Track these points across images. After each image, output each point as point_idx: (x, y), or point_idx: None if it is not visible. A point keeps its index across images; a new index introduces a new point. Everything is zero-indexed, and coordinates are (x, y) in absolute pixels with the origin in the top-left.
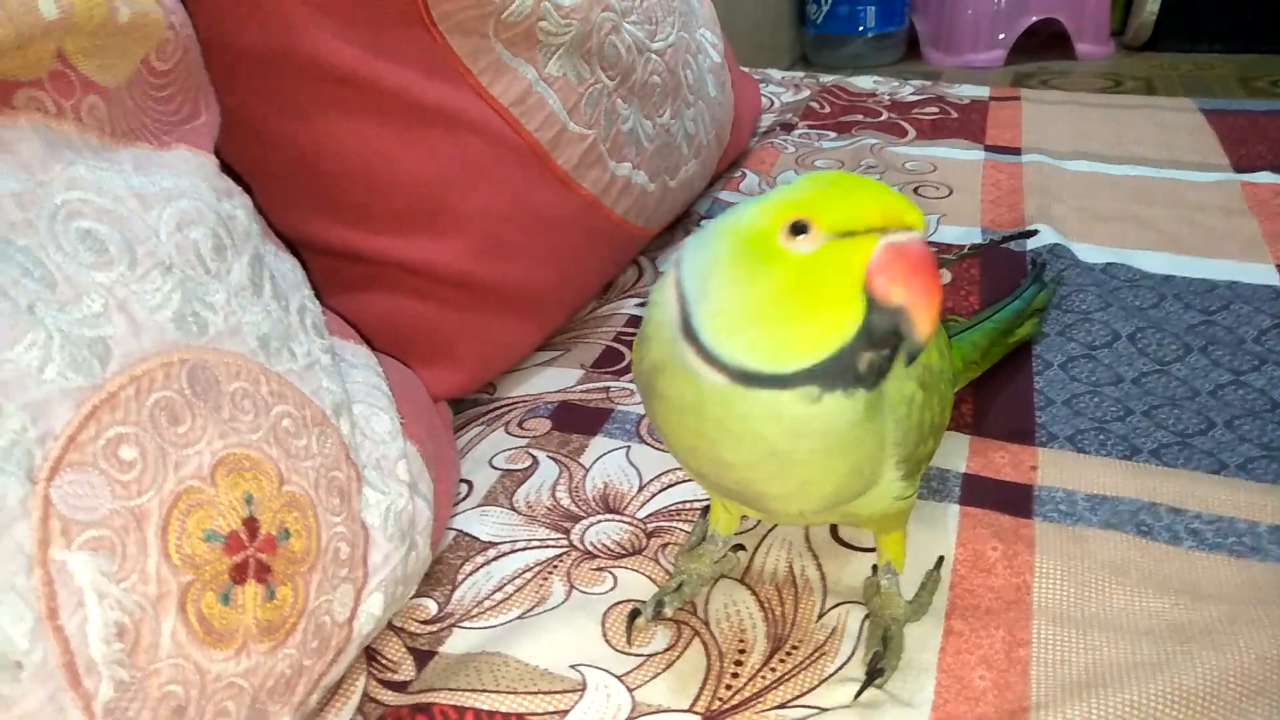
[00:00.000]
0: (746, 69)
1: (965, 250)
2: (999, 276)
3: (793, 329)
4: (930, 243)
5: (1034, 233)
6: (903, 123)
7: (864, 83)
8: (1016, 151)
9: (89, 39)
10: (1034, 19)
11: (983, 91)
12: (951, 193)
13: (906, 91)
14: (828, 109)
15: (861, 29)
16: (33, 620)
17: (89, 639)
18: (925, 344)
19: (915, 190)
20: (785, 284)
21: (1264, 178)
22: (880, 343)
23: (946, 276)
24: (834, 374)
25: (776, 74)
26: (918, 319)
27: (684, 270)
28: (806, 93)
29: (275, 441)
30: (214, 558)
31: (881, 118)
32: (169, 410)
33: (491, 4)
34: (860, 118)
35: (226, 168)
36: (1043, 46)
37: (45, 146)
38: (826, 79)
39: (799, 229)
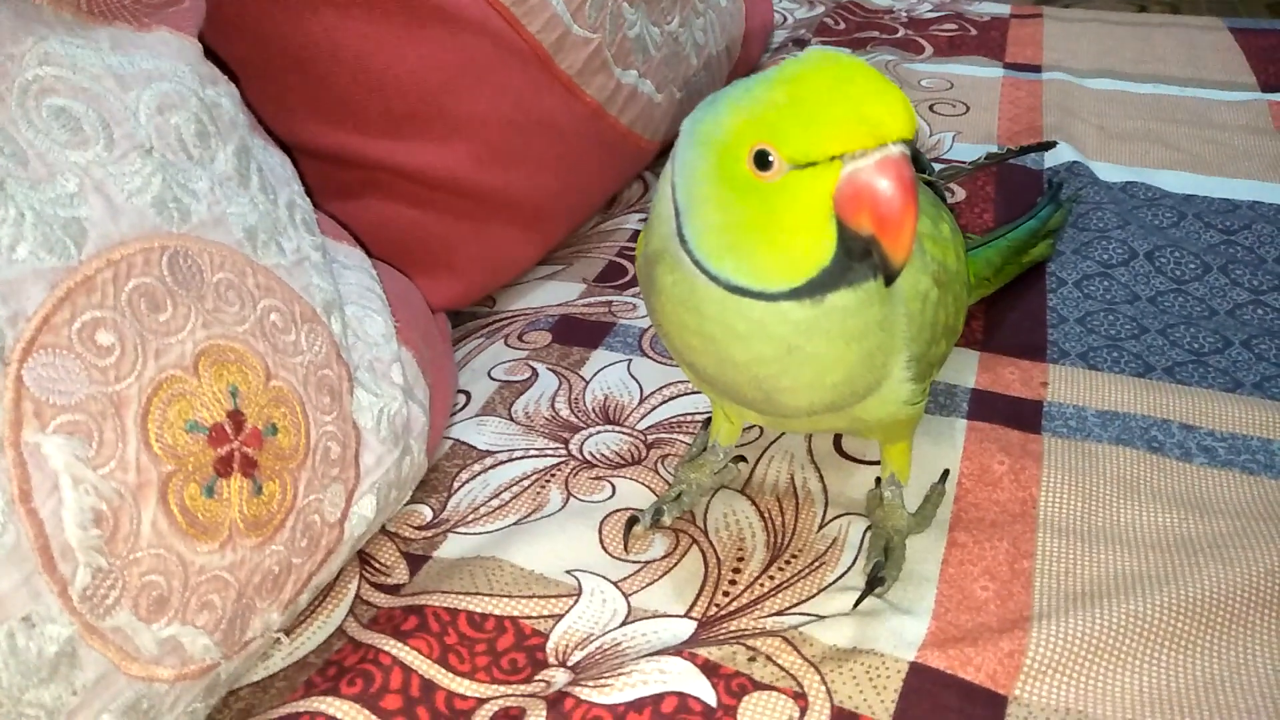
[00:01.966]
0: None
1: (981, 160)
2: (1015, 194)
3: (772, 256)
4: (946, 160)
5: (1052, 144)
6: (920, 39)
7: None
8: (1037, 69)
9: None
10: None
11: (1003, 9)
12: (968, 110)
13: (924, 9)
14: (842, 25)
15: None
16: (4, 501)
17: (64, 523)
18: (900, 269)
19: (931, 108)
20: (758, 213)
21: None
22: (861, 256)
23: (961, 194)
24: (829, 282)
25: None
26: (889, 246)
27: (676, 169)
28: (821, 9)
29: (262, 335)
30: (197, 449)
31: (898, 34)
32: (149, 297)
33: None
34: (876, 34)
35: (216, 62)
36: None
37: (15, 18)
38: None
39: (762, 159)
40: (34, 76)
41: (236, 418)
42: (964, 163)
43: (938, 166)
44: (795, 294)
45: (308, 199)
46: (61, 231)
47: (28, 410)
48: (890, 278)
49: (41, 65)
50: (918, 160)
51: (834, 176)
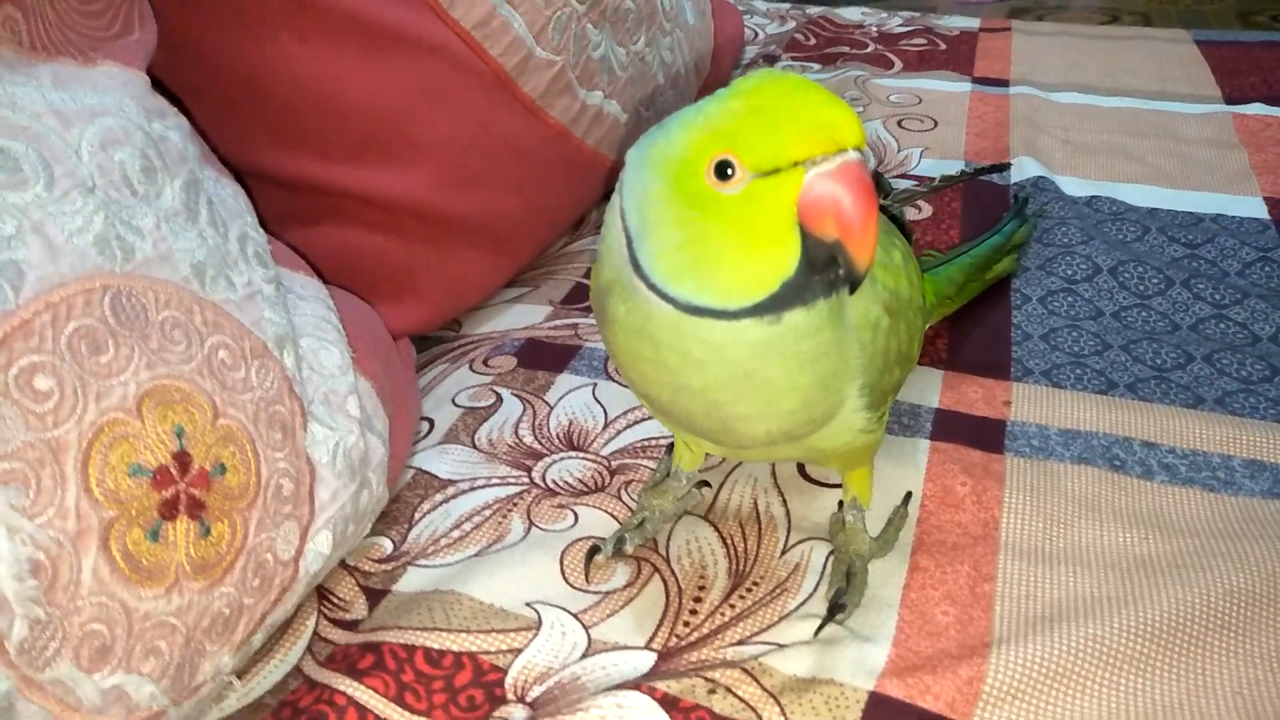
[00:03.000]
0: None
1: (935, 183)
2: (980, 211)
3: (735, 270)
4: (914, 176)
5: (1006, 166)
6: (889, 54)
7: (851, 14)
8: (1005, 83)
9: None
10: None
11: (973, 23)
12: (936, 125)
13: (894, 23)
14: (813, 41)
15: None
16: None
17: (0, 576)
18: (865, 273)
19: (899, 123)
20: (719, 226)
21: (1256, 109)
22: (824, 268)
23: (926, 210)
24: (787, 298)
25: (761, 5)
26: (854, 251)
27: (625, 197)
28: (792, 24)
29: (210, 373)
30: (141, 493)
31: (868, 49)
32: (89, 338)
33: None
34: (846, 49)
35: (171, 94)
36: None
37: None
38: (813, 10)
39: (723, 170)
40: None
41: (182, 459)
42: (919, 186)
43: (901, 183)
44: (755, 310)
45: (261, 231)
46: None
47: None
48: (855, 284)
49: None
50: (878, 181)
51: (797, 183)
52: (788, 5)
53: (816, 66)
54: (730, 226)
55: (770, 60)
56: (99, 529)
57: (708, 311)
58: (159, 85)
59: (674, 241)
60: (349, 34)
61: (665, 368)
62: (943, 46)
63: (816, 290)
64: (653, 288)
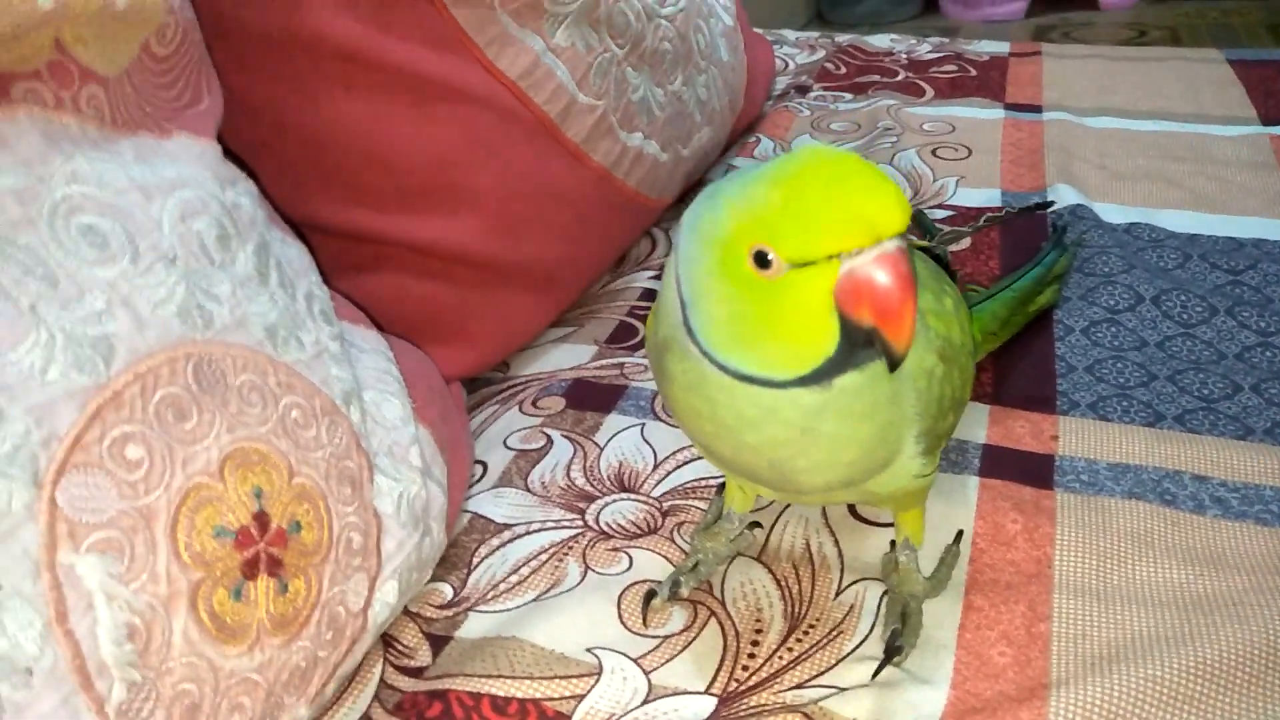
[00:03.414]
0: (760, 30)
1: (980, 223)
2: (1020, 240)
3: (779, 346)
4: (950, 206)
5: (1050, 204)
6: (920, 82)
7: (880, 41)
8: (1037, 109)
9: (87, 27)
10: None
11: (1002, 47)
12: (970, 154)
13: (924, 50)
14: (843, 70)
15: None
16: (41, 625)
17: (99, 641)
18: (903, 358)
19: (934, 152)
20: (762, 307)
21: None
22: (864, 344)
23: (965, 242)
24: (835, 368)
25: (791, 35)
26: (890, 336)
27: (679, 261)
28: (821, 53)
29: (284, 433)
30: (224, 554)
31: (898, 77)
32: (175, 406)
33: None
34: (877, 78)
35: (231, 152)
36: None
37: (44, 140)
38: (842, 38)
39: (762, 259)
40: (62, 196)
41: (262, 519)
42: (962, 227)
43: (941, 213)
44: (803, 381)
45: (325, 288)
46: (91, 349)
47: (62, 532)
48: (894, 365)
49: (70, 184)
50: (921, 223)
51: (833, 273)
52: (817, 34)
53: (848, 96)
54: (771, 309)
55: (803, 91)
56: (188, 591)
57: (757, 380)
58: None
59: (722, 315)
60: (399, 89)
61: (723, 425)
62: (973, 73)
63: (866, 355)
64: (705, 354)
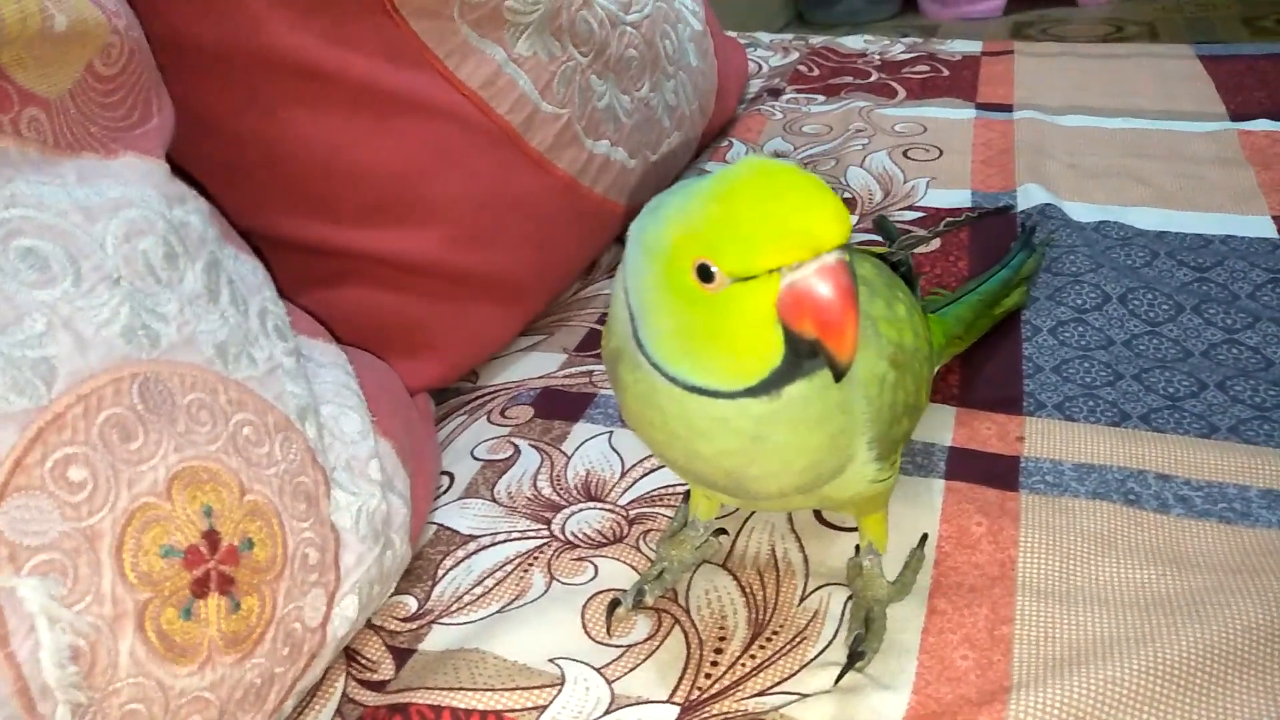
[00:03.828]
0: (734, 33)
1: (940, 227)
2: (989, 241)
3: (726, 358)
4: (921, 207)
5: (1009, 208)
6: (893, 83)
7: (854, 43)
8: (1009, 108)
9: (25, 50)
10: None
11: (975, 47)
12: (941, 154)
13: (897, 50)
14: (816, 72)
15: None
16: None
17: (42, 664)
18: (847, 368)
19: (905, 154)
20: (707, 319)
21: (1261, 125)
22: (809, 354)
23: (934, 243)
24: (783, 378)
25: (765, 37)
26: (833, 348)
27: (627, 273)
28: (795, 55)
29: (235, 451)
30: (173, 573)
31: (871, 79)
32: (120, 427)
33: None
34: (850, 79)
35: (183, 171)
36: None
37: None
38: (816, 40)
39: (704, 272)
40: (1, 220)
41: (212, 537)
42: (923, 231)
43: (911, 215)
44: (751, 391)
45: (280, 303)
46: (31, 372)
47: (2, 555)
48: (839, 375)
49: (8, 208)
50: (884, 228)
51: (775, 286)
52: (790, 37)
53: (821, 98)
54: (716, 322)
55: (775, 94)
56: (134, 612)
57: (707, 391)
58: (175, 159)
59: (669, 327)
60: (360, 102)
61: (675, 435)
62: (945, 73)
63: (813, 364)
64: (655, 365)
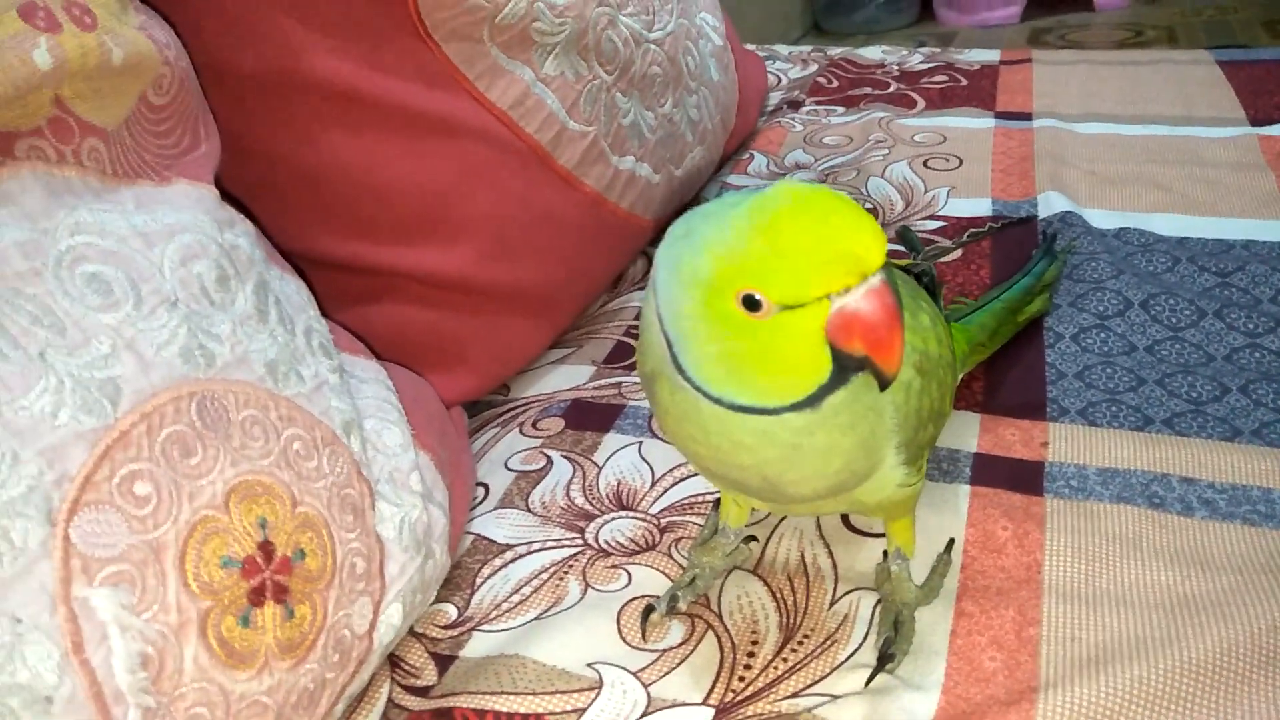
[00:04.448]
0: (753, 46)
1: (963, 238)
2: (1011, 247)
3: (774, 379)
4: (942, 217)
5: (1029, 220)
6: (912, 93)
7: (872, 53)
8: (1028, 117)
9: (85, 83)
10: None
11: (993, 55)
12: (961, 163)
13: (915, 60)
14: (835, 83)
15: None
16: (59, 656)
17: (114, 670)
18: (894, 377)
19: (925, 163)
20: (754, 344)
21: None
22: (856, 369)
23: (956, 253)
24: (827, 390)
25: (784, 50)
26: (881, 363)
27: (659, 299)
28: (814, 67)
29: (286, 465)
30: (231, 583)
31: (890, 89)
32: (180, 443)
33: (484, 9)
34: (869, 90)
35: (229, 192)
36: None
37: (48, 194)
38: (834, 51)
39: (751, 302)
40: (67, 247)
41: (267, 548)
42: (946, 242)
43: (932, 224)
44: (795, 406)
45: (323, 322)
46: (98, 392)
47: (75, 567)
48: (884, 386)
49: (73, 235)
50: (907, 239)
51: (824, 311)
52: (809, 48)
53: (840, 109)
54: (764, 347)
55: (794, 106)
56: (197, 620)
57: (751, 410)
58: (220, 183)
59: (713, 352)
60: (393, 124)
61: (718, 449)
62: (964, 82)
63: (852, 375)
64: (697, 388)
